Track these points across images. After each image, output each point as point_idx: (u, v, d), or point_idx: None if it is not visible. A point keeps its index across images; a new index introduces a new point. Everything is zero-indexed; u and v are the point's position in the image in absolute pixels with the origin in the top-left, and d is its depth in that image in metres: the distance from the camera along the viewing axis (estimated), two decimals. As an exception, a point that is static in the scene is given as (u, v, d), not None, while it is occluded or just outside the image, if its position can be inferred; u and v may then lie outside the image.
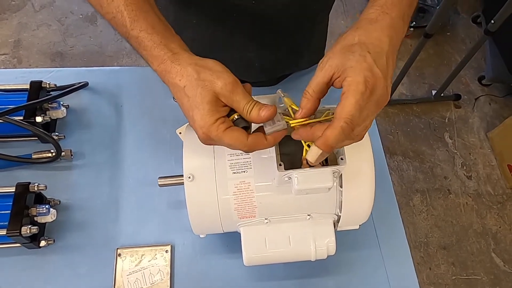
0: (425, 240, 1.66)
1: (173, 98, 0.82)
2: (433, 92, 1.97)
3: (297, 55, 0.84)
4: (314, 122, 0.45)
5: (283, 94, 0.50)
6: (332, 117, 0.42)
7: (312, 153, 0.43)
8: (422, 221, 1.71)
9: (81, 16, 2.16)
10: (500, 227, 1.72)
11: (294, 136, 0.46)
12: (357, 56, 0.41)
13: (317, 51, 0.91)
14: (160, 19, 0.49)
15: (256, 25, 0.70)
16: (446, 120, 1.97)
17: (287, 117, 0.46)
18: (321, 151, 0.42)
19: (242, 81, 0.46)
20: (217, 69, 0.45)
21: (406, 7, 0.48)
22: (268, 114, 0.43)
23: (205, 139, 0.45)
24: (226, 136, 0.43)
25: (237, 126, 0.45)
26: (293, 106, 0.47)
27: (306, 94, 0.44)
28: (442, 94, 1.96)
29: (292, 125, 0.45)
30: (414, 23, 2.12)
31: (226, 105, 0.45)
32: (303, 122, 0.45)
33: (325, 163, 0.53)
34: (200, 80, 0.44)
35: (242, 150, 0.45)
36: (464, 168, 1.84)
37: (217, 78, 0.43)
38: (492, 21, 1.46)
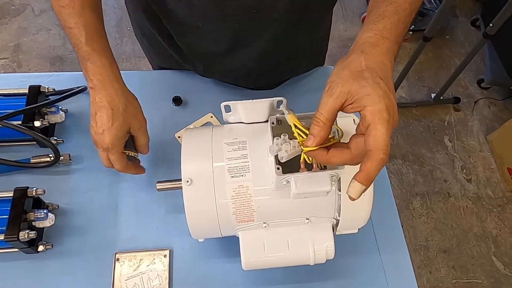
0: (425, 243, 1.66)
1: (173, 102, 0.82)
2: (433, 95, 1.97)
3: (297, 60, 0.84)
4: (328, 145, 0.45)
5: (288, 110, 0.49)
6: (340, 138, 0.44)
7: (356, 190, 0.41)
8: (422, 224, 1.70)
9: (80, 20, 2.16)
10: (500, 230, 1.71)
11: (307, 155, 0.46)
12: (371, 83, 0.41)
13: (317, 56, 0.91)
14: (108, 45, 0.63)
15: (256, 32, 0.70)
16: (446, 123, 1.97)
17: (299, 135, 0.46)
18: (364, 186, 0.41)
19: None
20: (136, 106, 0.64)
21: (402, 30, 0.49)
22: (146, 152, 0.68)
23: (103, 146, 0.62)
24: (120, 153, 0.63)
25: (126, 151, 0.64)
26: (297, 125, 0.46)
27: (319, 122, 0.43)
28: (441, 97, 1.96)
29: (304, 151, 0.45)
30: (413, 26, 2.12)
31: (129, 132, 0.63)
32: (316, 149, 0.44)
33: (324, 166, 0.53)
34: (125, 112, 0.61)
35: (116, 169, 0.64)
36: (464, 171, 1.84)
37: (135, 115, 0.63)
38: (491, 24, 1.47)
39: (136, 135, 0.64)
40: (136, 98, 0.64)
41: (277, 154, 0.47)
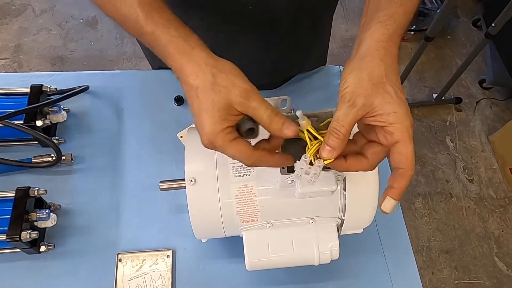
0: (428, 244, 1.65)
1: (175, 102, 0.82)
2: (434, 95, 1.97)
3: (299, 58, 0.84)
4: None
5: (303, 117, 0.45)
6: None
7: (391, 206, 0.43)
8: (424, 225, 1.70)
9: (81, 20, 2.16)
10: (502, 231, 1.71)
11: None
12: (395, 99, 0.41)
13: (320, 54, 0.91)
14: (175, 17, 0.48)
15: (258, 28, 0.70)
16: (447, 124, 1.97)
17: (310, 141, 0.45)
18: (397, 201, 0.43)
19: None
20: (235, 73, 0.43)
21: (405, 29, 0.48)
22: (292, 134, 0.42)
23: (208, 145, 0.44)
24: (231, 146, 0.43)
25: (243, 126, 0.43)
26: (312, 132, 0.45)
27: (339, 135, 0.41)
28: (443, 98, 1.95)
29: (325, 164, 0.43)
30: (414, 26, 2.12)
31: (238, 114, 0.43)
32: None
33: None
34: (215, 85, 0.42)
35: (245, 164, 0.44)
36: (466, 171, 1.84)
37: (233, 85, 0.42)
38: (493, 24, 1.46)
39: (244, 110, 0.43)
40: (234, 66, 0.45)
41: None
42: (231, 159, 0.54)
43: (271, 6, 0.65)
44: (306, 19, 0.72)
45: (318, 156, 0.43)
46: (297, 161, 0.43)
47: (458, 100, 2.00)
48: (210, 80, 0.42)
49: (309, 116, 0.47)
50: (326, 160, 0.42)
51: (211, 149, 0.45)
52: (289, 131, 0.42)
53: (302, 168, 0.43)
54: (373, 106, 0.41)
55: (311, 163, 0.43)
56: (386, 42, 0.44)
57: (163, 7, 0.47)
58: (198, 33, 0.66)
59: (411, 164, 0.41)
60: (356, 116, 0.41)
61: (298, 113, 0.45)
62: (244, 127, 0.43)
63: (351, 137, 0.45)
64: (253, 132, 0.44)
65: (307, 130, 0.45)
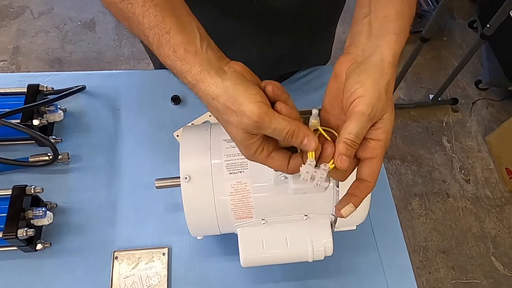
0: (424, 244, 1.66)
1: (171, 101, 0.82)
2: (431, 96, 1.98)
3: (299, 54, 0.84)
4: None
5: (316, 117, 0.44)
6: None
7: (349, 212, 0.44)
8: (421, 225, 1.70)
9: (79, 22, 2.17)
10: (499, 231, 1.71)
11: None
12: (391, 119, 0.43)
13: (321, 53, 0.90)
14: (184, 36, 0.44)
15: (257, 22, 0.70)
16: (444, 124, 1.97)
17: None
18: (355, 209, 0.45)
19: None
20: (240, 101, 0.40)
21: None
22: (312, 147, 0.41)
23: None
24: (268, 163, 0.44)
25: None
26: (321, 131, 0.44)
27: (355, 145, 0.41)
28: (439, 98, 1.96)
29: (331, 168, 0.43)
30: (411, 28, 2.13)
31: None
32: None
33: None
34: (227, 118, 0.41)
35: (286, 172, 0.45)
36: (463, 171, 1.85)
37: (242, 116, 0.40)
38: (488, 25, 1.48)
39: (260, 133, 0.42)
40: (240, 81, 0.42)
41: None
42: (226, 157, 0.55)
43: (273, 2, 0.65)
44: (308, 17, 0.72)
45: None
46: (302, 165, 0.43)
47: (455, 101, 2.01)
48: (221, 114, 0.42)
49: (304, 113, 0.47)
50: (341, 167, 0.42)
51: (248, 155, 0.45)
52: (310, 147, 0.42)
53: (308, 172, 0.42)
54: (382, 120, 0.42)
55: (316, 165, 0.43)
56: (392, 56, 0.44)
57: (173, 29, 0.44)
58: None
59: (376, 179, 0.43)
60: (367, 127, 0.41)
61: (314, 111, 0.44)
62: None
63: None
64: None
65: (316, 130, 0.44)
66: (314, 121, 0.44)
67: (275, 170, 0.45)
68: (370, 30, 0.46)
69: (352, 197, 0.44)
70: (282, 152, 0.44)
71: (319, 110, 0.45)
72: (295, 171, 0.44)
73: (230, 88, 0.41)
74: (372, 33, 0.45)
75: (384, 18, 0.46)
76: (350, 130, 0.40)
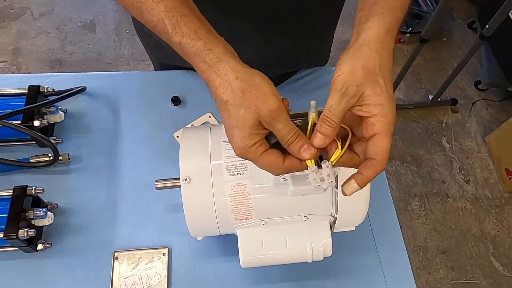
0: (424, 244, 1.66)
1: (171, 102, 0.82)
2: (430, 97, 1.98)
3: (297, 54, 0.84)
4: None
5: (314, 109, 0.45)
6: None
7: (352, 189, 0.44)
8: (421, 225, 1.71)
9: (80, 23, 2.17)
10: (498, 231, 1.72)
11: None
12: (384, 92, 0.42)
13: (320, 54, 0.91)
14: (203, 22, 0.47)
15: (256, 22, 0.70)
16: (443, 125, 1.98)
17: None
18: (360, 188, 0.44)
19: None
20: (264, 90, 0.42)
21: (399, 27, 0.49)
22: (309, 156, 0.43)
23: (241, 156, 0.45)
24: (262, 159, 0.44)
25: (270, 139, 0.44)
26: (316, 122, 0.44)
27: (331, 123, 0.42)
28: (439, 99, 1.97)
29: (333, 163, 0.44)
30: (410, 29, 2.14)
31: (266, 128, 0.44)
32: (341, 155, 0.44)
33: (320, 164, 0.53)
34: (245, 100, 0.42)
35: (276, 174, 0.45)
36: (462, 172, 1.85)
37: (263, 102, 0.41)
38: (487, 26, 1.48)
39: (269, 128, 0.43)
40: (263, 78, 0.44)
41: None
42: (226, 158, 0.55)
43: (272, 2, 0.65)
44: (307, 17, 0.72)
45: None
46: (308, 176, 0.43)
47: (454, 102, 2.02)
48: (240, 95, 0.42)
49: (301, 116, 0.48)
50: (333, 159, 0.43)
51: (244, 159, 0.46)
52: (306, 155, 0.43)
53: (315, 179, 0.43)
54: (363, 96, 0.42)
55: (319, 166, 0.43)
56: (384, 36, 0.45)
57: (191, 14, 0.46)
58: None
59: (384, 158, 0.42)
60: (348, 105, 0.42)
61: (312, 102, 0.45)
62: (271, 141, 0.45)
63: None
64: (278, 145, 0.44)
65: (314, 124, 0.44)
66: (312, 113, 0.45)
67: (269, 168, 0.44)
68: (360, 18, 0.48)
69: (356, 175, 0.43)
70: (277, 151, 0.44)
71: (319, 111, 0.46)
72: (290, 168, 0.44)
73: (257, 76, 0.43)
74: (361, 21, 0.47)
75: (370, 4, 0.48)
76: (325, 107, 0.42)
